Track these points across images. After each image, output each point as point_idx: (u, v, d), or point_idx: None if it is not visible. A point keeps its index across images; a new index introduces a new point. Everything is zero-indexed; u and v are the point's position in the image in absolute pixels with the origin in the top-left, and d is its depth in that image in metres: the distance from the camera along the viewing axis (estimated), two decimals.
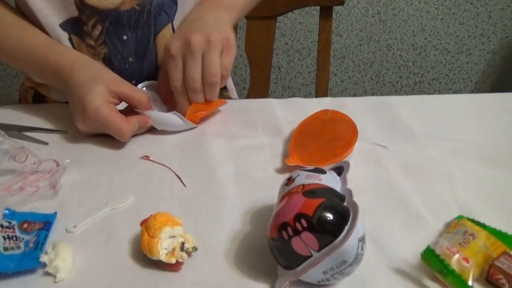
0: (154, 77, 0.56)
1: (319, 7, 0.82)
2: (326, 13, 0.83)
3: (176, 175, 0.39)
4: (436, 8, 1.19)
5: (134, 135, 0.45)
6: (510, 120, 0.50)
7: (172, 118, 0.45)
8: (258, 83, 0.92)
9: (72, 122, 0.46)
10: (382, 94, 1.31)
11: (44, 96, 0.58)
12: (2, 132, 0.38)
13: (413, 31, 1.22)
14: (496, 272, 0.26)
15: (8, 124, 0.47)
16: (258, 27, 0.87)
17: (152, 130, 0.46)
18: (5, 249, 0.28)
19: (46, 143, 0.44)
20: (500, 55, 1.28)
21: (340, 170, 0.32)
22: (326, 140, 0.41)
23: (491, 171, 0.40)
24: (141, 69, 0.54)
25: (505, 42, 1.26)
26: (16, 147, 0.38)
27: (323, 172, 0.30)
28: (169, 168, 0.40)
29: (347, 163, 0.33)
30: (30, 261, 0.28)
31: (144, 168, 0.40)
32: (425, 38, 1.23)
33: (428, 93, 1.33)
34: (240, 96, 0.78)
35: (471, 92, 1.34)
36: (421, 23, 1.21)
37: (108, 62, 0.52)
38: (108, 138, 0.44)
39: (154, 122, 0.45)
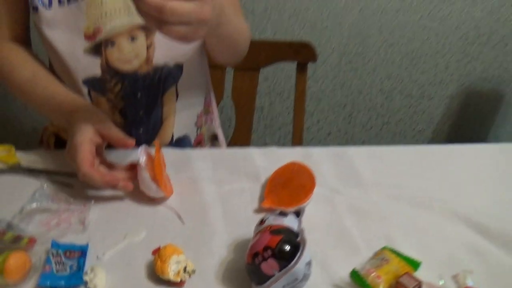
0: (159, 127, 0.68)
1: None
2: (301, 68, 0.98)
3: (177, 214, 0.51)
4: (400, 58, 1.35)
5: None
6: (444, 170, 0.63)
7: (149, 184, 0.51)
8: (243, 124, 1.05)
9: None
10: (354, 133, 1.46)
11: (65, 140, 0.69)
12: (48, 177, 0.50)
13: (381, 78, 1.38)
14: (399, 286, 0.38)
15: (38, 169, 0.59)
16: (243, 77, 1.00)
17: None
18: (57, 271, 0.39)
19: (72, 186, 0.56)
20: (457, 100, 1.45)
21: (298, 213, 0.44)
22: (292, 187, 0.53)
23: (417, 212, 0.53)
24: (148, 120, 0.66)
25: (461, 89, 1.43)
26: (54, 190, 0.49)
27: (286, 215, 0.42)
28: (171, 209, 0.52)
29: (303, 208, 0.45)
30: (76, 280, 0.39)
31: (152, 208, 0.52)
32: (391, 85, 1.39)
33: (395, 133, 1.48)
34: (227, 133, 0.90)
35: (433, 131, 1.50)
36: (388, 71, 1.37)
37: (123, 114, 0.65)
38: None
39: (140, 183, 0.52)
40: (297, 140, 1.00)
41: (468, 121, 1.50)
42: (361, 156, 0.65)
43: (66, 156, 0.52)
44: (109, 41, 0.60)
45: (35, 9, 0.59)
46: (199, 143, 0.77)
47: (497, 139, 1.54)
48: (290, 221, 0.42)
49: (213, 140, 0.82)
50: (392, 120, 1.46)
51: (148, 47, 0.62)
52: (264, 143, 1.41)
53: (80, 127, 0.52)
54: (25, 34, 0.66)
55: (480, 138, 1.54)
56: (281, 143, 1.42)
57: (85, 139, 0.51)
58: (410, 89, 1.41)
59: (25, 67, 0.63)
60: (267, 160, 0.63)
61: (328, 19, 1.26)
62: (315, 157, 0.64)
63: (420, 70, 1.38)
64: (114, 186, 0.50)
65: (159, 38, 0.63)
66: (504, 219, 0.51)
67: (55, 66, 0.65)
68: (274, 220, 0.41)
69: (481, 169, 0.63)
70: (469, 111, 1.48)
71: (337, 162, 0.63)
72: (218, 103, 0.96)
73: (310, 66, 1.03)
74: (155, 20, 0.42)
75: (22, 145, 0.61)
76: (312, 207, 0.52)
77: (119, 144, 0.53)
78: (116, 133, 0.53)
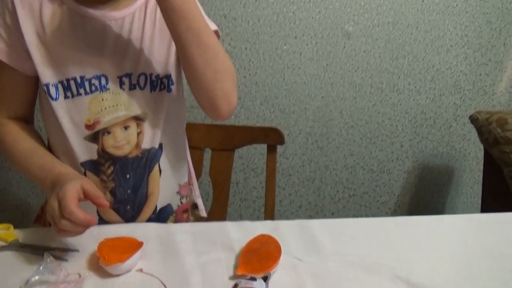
0: (144, 203, 0.77)
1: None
2: (271, 150, 1.11)
3: (162, 282, 0.58)
4: (360, 138, 1.52)
5: None
6: (390, 239, 0.73)
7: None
8: (219, 198, 1.14)
9: (81, 242, 0.64)
10: (323, 205, 1.57)
11: None
12: (48, 253, 0.57)
13: (344, 155, 1.53)
14: None
15: (37, 245, 0.65)
16: (219, 157, 1.12)
17: (145, 251, 0.65)
18: None
19: (66, 260, 0.62)
20: (413, 175, 1.61)
21: (266, 277, 0.53)
22: (262, 256, 0.62)
23: (367, 276, 0.62)
24: (135, 198, 0.75)
25: (416, 165, 1.60)
26: (55, 263, 0.56)
27: (255, 279, 0.51)
28: (156, 277, 0.59)
29: (270, 274, 0.54)
30: None
31: (140, 278, 0.59)
32: (354, 161, 1.54)
33: (361, 205, 1.61)
34: (205, 206, 0.99)
35: (395, 203, 1.63)
36: (350, 149, 1.53)
37: (113, 193, 0.73)
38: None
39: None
40: (269, 213, 1.10)
41: (426, 193, 1.65)
42: (323, 228, 0.75)
43: (48, 206, 0.59)
44: (106, 130, 0.71)
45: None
46: (185, 211, 0.85)
47: (454, 209, 1.69)
48: (258, 285, 0.50)
49: (194, 209, 0.91)
50: (357, 193, 1.59)
51: (138, 134, 0.73)
52: (239, 215, 1.50)
53: (70, 180, 0.61)
54: (30, 112, 0.76)
55: (438, 208, 1.68)
56: (255, 215, 1.51)
57: (73, 188, 0.58)
58: (371, 165, 1.56)
59: (26, 139, 0.71)
60: (241, 232, 0.71)
61: (295, 105, 1.43)
62: (283, 229, 0.73)
63: (379, 148, 1.54)
64: (92, 223, 0.57)
65: (147, 125, 0.74)
66: (440, 278, 0.61)
67: (55, 146, 0.74)
68: (245, 284, 0.50)
69: (421, 238, 0.74)
70: (425, 184, 1.64)
71: (302, 233, 0.73)
72: (197, 179, 1.06)
73: (280, 146, 1.17)
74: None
75: (17, 219, 0.68)
76: (279, 273, 0.60)
77: (97, 202, 0.61)
78: (98, 191, 0.62)
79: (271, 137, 1.09)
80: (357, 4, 1.38)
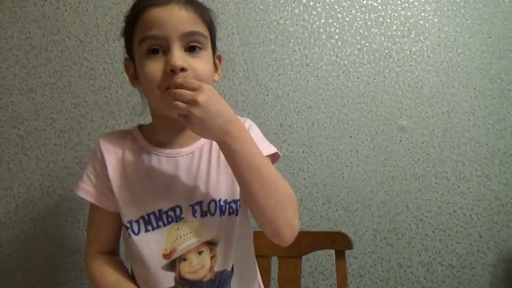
0: None
1: None
2: (340, 255, 1.08)
3: None
4: (432, 231, 1.44)
5: None
6: None
7: None
8: None
9: None
10: None
11: None
12: None
13: (418, 251, 1.44)
14: None
15: None
16: (287, 265, 1.11)
17: None
18: None
19: None
20: (500, 268, 1.46)
21: None
22: None
23: None
24: None
25: (501, 257, 1.45)
26: None
27: None
28: None
29: None
30: None
31: None
32: (430, 256, 1.44)
33: None
34: None
35: None
36: (423, 244, 1.44)
37: None
38: None
39: None
40: None
41: None
42: None
43: None
44: (182, 258, 0.76)
45: (128, 234, 0.77)
46: None
47: None
48: None
49: None
50: None
51: (211, 258, 0.77)
52: None
53: None
54: (116, 245, 0.84)
55: None
56: None
57: None
58: (449, 260, 1.44)
59: (113, 274, 0.77)
60: None
61: (358, 202, 1.41)
62: None
63: (455, 240, 1.44)
64: None
65: (220, 249, 0.78)
66: None
67: (138, 275, 0.79)
68: None
69: None
70: None
71: None
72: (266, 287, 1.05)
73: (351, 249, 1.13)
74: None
75: None
76: None
77: None
78: None
79: (338, 242, 1.07)
80: (408, 99, 1.42)
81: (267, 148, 0.82)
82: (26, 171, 1.33)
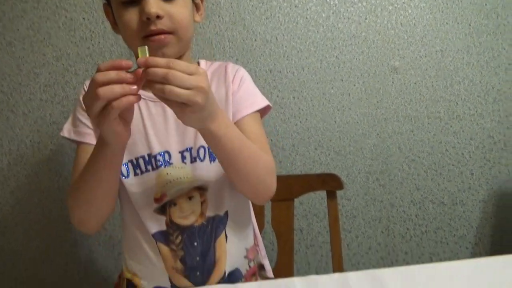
0: (212, 268, 0.79)
1: None
2: (331, 196, 1.10)
3: None
4: (424, 171, 1.45)
5: None
6: (470, 284, 0.68)
7: None
8: (285, 248, 1.14)
9: None
10: (394, 245, 1.49)
11: (135, 286, 0.81)
12: None
13: (410, 190, 1.46)
14: None
15: None
16: (280, 207, 1.13)
17: None
18: None
19: None
20: (491, 203, 1.49)
21: None
22: None
23: None
24: (204, 264, 0.78)
25: (492, 192, 1.48)
26: None
27: None
28: None
29: None
30: None
31: None
32: (421, 195, 1.47)
33: (436, 241, 1.50)
34: (271, 256, 0.98)
35: (475, 236, 1.51)
36: (415, 184, 1.46)
37: (183, 261, 0.77)
38: None
39: None
40: (337, 262, 1.07)
41: (509, 222, 1.51)
42: (396, 277, 0.72)
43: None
44: (172, 202, 0.76)
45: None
46: (253, 275, 0.86)
47: None
48: None
49: (260, 270, 0.92)
50: (430, 228, 1.49)
51: (202, 203, 0.77)
52: (307, 262, 1.47)
53: None
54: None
55: None
56: (323, 261, 1.47)
57: None
58: (441, 198, 1.47)
59: None
60: None
61: (350, 146, 1.41)
62: (353, 282, 0.71)
63: (447, 179, 1.46)
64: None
65: (210, 194, 0.78)
66: None
67: (129, 219, 0.80)
68: None
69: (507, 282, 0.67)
70: (506, 213, 1.50)
71: (373, 284, 0.70)
72: (260, 230, 1.07)
73: (342, 190, 1.15)
74: (160, 89, 0.53)
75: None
76: None
77: (118, 65, 0.55)
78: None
79: (329, 184, 1.08)
80: (400, 38, 1.38)
81: (260, 101, 0.82)
82: (14, 127, 1.31)
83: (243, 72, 0.85)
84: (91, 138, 0.77)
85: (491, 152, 1.45)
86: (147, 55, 0.56)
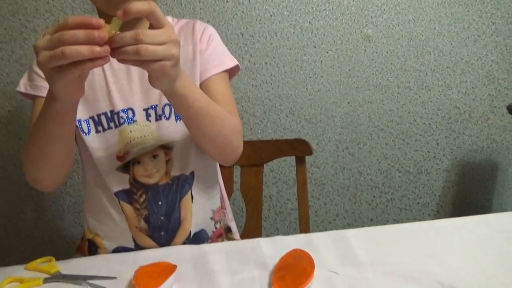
0: (177, 228, 0.78)
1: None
2: (300, 161, 1.10)
3: None
4: (392, 140, 1.48)
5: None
6: (432, 244, 0.70)
7: None
8: (253, 213, 1.14)
9: (118, 269, 0.66)
10: (361, 212, 1.53)
11: (97, 246, 0.79)
12: (86, 282, 0.59)
13: (378, 159, 1.49)
14: None
15: (77, 275, 0.68)
16: (249, 173, 1.12)
17: (179, 274, 0.65)
18: None
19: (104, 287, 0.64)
20: (454, 172, 1.54)
21: None
22: (296, 272, 0.61)
23: (407, 285, 0.60)
24: (168, 224, 0.77)
25: (456, 162, 1.53)
26: None
27: None
28: None
29: None
30: None
31: None
32: (388, 164, 1.50)
33: (401, 208, 1.55)
34: (240, 222, 0.98)
35: (438, 204, 1.57)
36: (383, 153, 1.49)
37: (147, 220, 0.75)
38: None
39: None
40: (304, 226, 1.08)
41: (469, 191, 1.57)
42: (359, 237, 0.73)
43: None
44: (136, 160, 0.74)
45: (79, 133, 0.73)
46: (219, 236, 0.86)
47: (502, 206, 1.59)
48: None
49: (227, 233, 0.92)
50: (395, 196, 1.53)
51: (167, 162, 0.75)
52: (275, 229, 1.49)
53: None
54: None
55: (485, 206, 1.59)
56: (292, 227, 1.50)
57: None
58: (407, 166, 1.51)
59: None
60: (274, 248, 0.71)
61: (321, 114, 1.41)
62: (317, 242, 0.72)
63: (413, 148, 1.49)
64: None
65: (176, 153, 0.76)
66: (485, 285, 0.58)
67: (90, 177, 0.77)
68: None
69: (466, 240, 0.70)
70: (468, 182, 1.56)
71: (337, 244, 0.71)
72: (229, 196, 1.07)
73: (311, 156, 1.14)
74: (134, 51, 0.50)
75: (63, 249, 0.70)
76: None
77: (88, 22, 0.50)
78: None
79: (298, 149, 1.08)
80: (374, 6, 1.36)
81: (229, 61, 0.80)
82: None
83: (211, 30, 0.82)
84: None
85: (456, 123, 1.49)
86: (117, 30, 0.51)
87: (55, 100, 0.57)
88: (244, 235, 1.06)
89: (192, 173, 0.78)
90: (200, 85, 0.77)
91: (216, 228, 0.84)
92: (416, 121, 1.47)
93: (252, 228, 1.12)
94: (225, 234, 0.89)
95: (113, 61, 0.73)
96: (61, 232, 1.37)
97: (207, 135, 0.71)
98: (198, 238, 0.80)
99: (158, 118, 0.75)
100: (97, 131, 0.73)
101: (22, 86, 0.75)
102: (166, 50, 0.52)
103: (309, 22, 1.35)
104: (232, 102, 0.80)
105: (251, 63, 1.35)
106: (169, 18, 0.82)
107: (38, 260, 0.71)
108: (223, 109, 0.72)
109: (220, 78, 0.79)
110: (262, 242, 0.74)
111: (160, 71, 0.53)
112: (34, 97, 0.74)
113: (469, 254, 0.66)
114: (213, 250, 0.72)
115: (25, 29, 1.22)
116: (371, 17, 1.37)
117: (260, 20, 1.32)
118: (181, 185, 0.77)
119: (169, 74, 0.55)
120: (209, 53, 0.79)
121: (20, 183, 1.31)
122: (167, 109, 0.75)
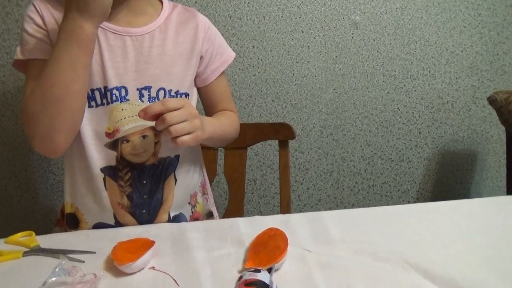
0: (159, 208, 0.79)
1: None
2: (283, 145, 1.11)
3: (173, 279, 0.60)
4: (376, 127, 1.50)
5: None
6: (402, 226, 0.73)
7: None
8: (236, 196, 1.16)
9: (98, 244, 0.67)
10: (342, 198, 1.56)
11: (79, 220, 0.80)
12: (64, 256, 0.60)
13: (361, 146, 1.51)
14: None
15: (56, 249, 0.69)
16: (233, 155, 1.14)
17: (158, 250, 0.67)
18: None
19: (83, 261, 0.65)
20: (434, 161, 1.57)
21: (270, 269, 0.54)
22: (270, 248, 0.63)
23: (377, 263, 0.62)
24: (151, 203, 0.78)
25: (436, 151, 1.56)
26: (71, 265, 0.59)
27: (259, 271, 0.52)
28: (168, 274, 0.61)
29: (274, 266, 0.55)
30: None
31: (152, 275, 0.61)
32: (371, 151, 1.52)
33: (382, 195, 1.59)
34: (223, 204, 1.00)
35: (417, 191, 1.60)
36: (366, 140, 1.51)
37: (130, 198, 0.76)
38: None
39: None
40: (285, 209, 1.10)
41: (449, 180, 1.61)
42: (334, 219, 0.75)
43: None
44: (125, 139, 0.74)
45: None
46: (196, 219, 0.87)
47: (479, 194, 1.64)
48: (262, 276, 0.51)
49: (209, 217, 0.93)
50: (377, 183, 1.57)
51: (155, 144, 0.76)
52: (259, 212, 1.51)
53: None
54: None
55: (463, 194, 1.63)
56: (275, 211, 1.52)
57: None
58: (389, 154, 1.54)
59: None
60: (251, 227, 0.73)
61: (307, 99, 1.43)
62: (293, 222, 0.74)
63: (396, 136, 1.52)
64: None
65: (164, 136, 0.77)
66: (450, 265, 0.60)
67: (74, 151, 0.76)
68: (249, 276, 0.51)
69: (437, 224, 0.73)
70: (447, 171, 1.60)
71: (312, 225, 0.73)
72: (212, 178, 1.08)
73: (295, 140, 1.16)
74: (169, 133, 0.66)
75: (45, 224, 0.71)
76: (287, 265, 0.61)
77: None
78: None
79: (282, 133, 1.09)
80: None
81: (228, 56, 0.89)
82: None
83: (208, 23, 0.86)
84: (43, 54, 0.70)
85: (439, 112, 1.51)
86: None
87: (86, 23, 0.64)
88: (226, 216, 1.08)
89: (177, 157, 0.79)
90: (205, 88, 0.86)
91: (192, 212, 0.85)
92: (399, 110, 1.49)
93: (234, 209, 1.14)
94: (206, 218, 0.91)
95: (110, 36, 0.73)
96: (44, 210, 1.38)
97: (222, 144, 0.92)
98: (177, 221, 0.81)
99: (151, 100, 0.75)
100: (89, 106, 0.73)
101: (20, 53, 0.73)
102: (190, 124, 0.67)
103: (298, 7, 1.35)
104: (231, 98, 0.92)
105: (238, 46, 1.35)
106: (166, 2, 0.82)
107: (19, 234, 0.71)
108: (229, 117, 0.87)
109: (222, 75, 0.88)
110: (240, 221, 0.76)
111: (195, 140, 0.69)
112: (28, 62, 0.72)
113: (438, 237, 0.69)
114: (192, 228, 0.74)
115: (8, 3, 1.20)
116: (359, 3, 1.37)
117: (248, 2, 1.32)
118: (166, 166, 0.78)
119: (201, 138, 0.70)
120: (215, 53, 0.85)
121: (3, 161, 1.31)
122: (161, 92, 0.76)
